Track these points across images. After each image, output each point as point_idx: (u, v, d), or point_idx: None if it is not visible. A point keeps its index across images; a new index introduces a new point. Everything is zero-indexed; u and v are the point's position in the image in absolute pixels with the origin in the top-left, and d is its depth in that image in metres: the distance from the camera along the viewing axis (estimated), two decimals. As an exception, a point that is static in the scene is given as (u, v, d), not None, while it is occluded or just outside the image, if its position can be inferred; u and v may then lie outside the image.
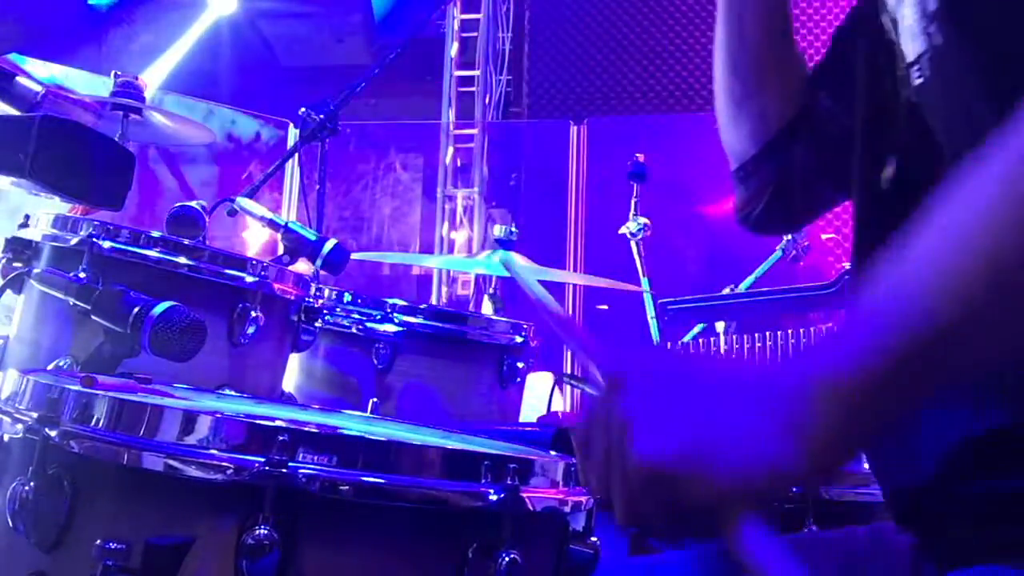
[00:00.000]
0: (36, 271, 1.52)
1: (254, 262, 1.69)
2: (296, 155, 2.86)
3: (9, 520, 0.84)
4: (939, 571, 0.78)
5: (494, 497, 0.85)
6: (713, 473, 0.62)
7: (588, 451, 0.68)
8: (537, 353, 2.27)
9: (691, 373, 0.67)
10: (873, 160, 0.90)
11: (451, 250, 5.97)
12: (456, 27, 6.28)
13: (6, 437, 0.91)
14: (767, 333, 3.71)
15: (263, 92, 5.98)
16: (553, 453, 1.12)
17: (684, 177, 5.07)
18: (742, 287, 3.69)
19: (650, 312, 3.82)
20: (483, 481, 0.87)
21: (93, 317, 1.35)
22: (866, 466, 2.09)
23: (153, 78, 5.56)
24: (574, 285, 5.48)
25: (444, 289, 5.83)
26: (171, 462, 0.81)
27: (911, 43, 0.81)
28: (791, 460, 0.61)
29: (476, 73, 6.24)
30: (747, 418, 0.62)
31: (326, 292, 2.06)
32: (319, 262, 1.83)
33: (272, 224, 1.91)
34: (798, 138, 1.11)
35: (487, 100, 6.19)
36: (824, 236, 4.79)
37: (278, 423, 0.92)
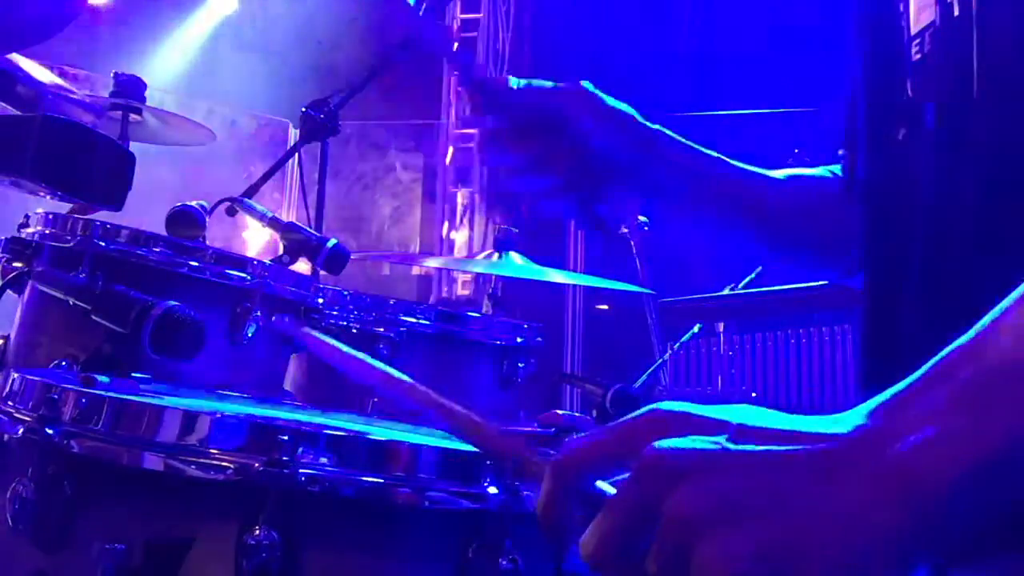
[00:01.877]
0: (36, 271, 1.52)
1: (254, 262, 1.69)
2: (296, 155, 2.86)
3: (9, 520, 0.84)
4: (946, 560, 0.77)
5: (494, 496, 0.85)
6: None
7: (621, 557, 0.55)
8: (537, 353, 2.27)
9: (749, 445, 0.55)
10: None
11: (451, 250, 5.97)
12: (456, 27, 6.28)
13: (6, 437, 0.91)
14: (767, 333, 3.72)
15: (263, 92, 5.98)
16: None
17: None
18: (742, 287, 3.69)
19: (649, 312, 3.82)
20: (483, 481, 0.87)
21: (93, 317, 1.35)
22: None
23: (154, 78, 5.56)
24: (574, 285, 5.48)
25: (444, 289, 5.82)
26: (171, 462, 0.81)
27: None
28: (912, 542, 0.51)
29: (476, 73, 6.23)
30: (845, 496, 0.52)
31: (326, 292, 2.05)
32: (319, 262, 1.83)
33: (272, 224, 1.91)
34: None
35: (487, 100, 6.19)
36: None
37: (278, 423, 0.92)
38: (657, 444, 0.55)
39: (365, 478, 0.83)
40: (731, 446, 0.54)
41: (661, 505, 0.53)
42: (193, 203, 1.86)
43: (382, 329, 2.03)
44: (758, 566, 0.50)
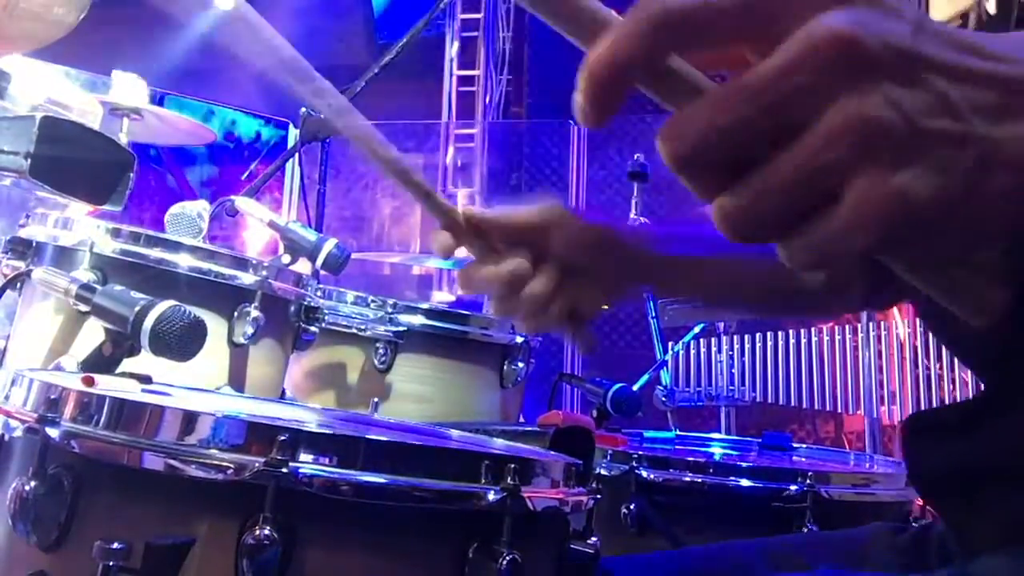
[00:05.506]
0: (36, 271, 1.52)
1: (254, 262, 1.69)
2: (296, 155, 2.86)
3: (9, 520, 0.84)
4: (968, 554, 0.77)
5: (494, 497, 0.85)
6: None
7: (721, 149, 0.42)
8: (537, 353, 2.27)
9: None
10: None
11: (451, 250, 5.97)
12: (456, 27, 6.28)
13: (6, 437, 0.91)
14: (767, 333, 3.71)
15: (263, 92, 5.98)
16: (553, 453, 1.12)
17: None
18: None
19: (650, 312, 3.82)
20: (483, 481, 0.87)
21: (93, 317, 1.35)
22: (868, 466, 2.09)
23: (154, 78, 5.56)
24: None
25: (444, 289, 5.83)
26: (171, 462, 0.81)
27: None
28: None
29: (476, 73, 6.24)
30: None
31: (326, 292, 2.06)
32: (319, 262, 1.83)
33: (272, 224, 1.91)
34: None
35: (487, 100, 6.20)
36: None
37: (278, 423, 0.92)
38: (841, 17, 0.40)
39: (365, 478, 0.83)
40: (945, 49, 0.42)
41: (826, 101, 0.40)
42: (193, 203, 1.86)
43: (382, 329, 2.04)
44: (927, 208, 0.40)
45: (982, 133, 0.41)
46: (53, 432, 0.84)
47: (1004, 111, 0.42)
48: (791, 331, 3.70)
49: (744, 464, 1.66)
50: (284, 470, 0.79)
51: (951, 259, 0.44)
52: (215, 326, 1.57)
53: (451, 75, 6.26)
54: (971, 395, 0.79)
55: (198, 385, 1.40)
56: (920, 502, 1.63)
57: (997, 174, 0.41)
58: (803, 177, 0.41)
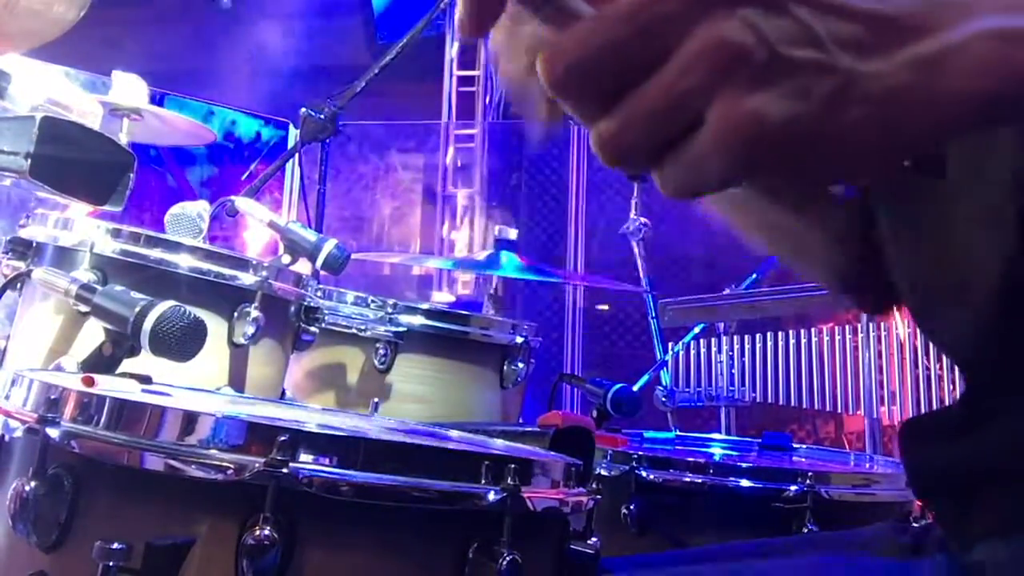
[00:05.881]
0: (36, 271, 1.52)
1: (254, 262, 1.69)
2: (296, 155, 2.87)
3: (9, 520, 0.84)
4: (964, 548, 0.77)
5: (494, 497, 0.85)
6: None
7: (597, 73, 0.44)
8: (537, 353, 2.27)
9: None
10: None
11: (451, 250, 5.98)
12: (456, 27, 6.28)
13: (6, 437, 0.91)
14: (767, 333, 3.71)
15: (263, 92, 5.98)
16: (553, 453, 1.12)
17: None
18: (742, 287, 3.69)
19: (650, 312, 3.82)
20: (483, 481, 0.87)
21: (93, 317, 1.35)
22: (868, 466, 2.09)
23: (153, 77, 5.56)
24: (574, 285, 5.48)
25: (445, 289, 5.83)
26: (172, 462, 0.81)
27: None
28: None
29: (476, 73, 6.24)
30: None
31: (326, 292, 2.06)
32: (319, 262, 1.83)
33: (272, 224, 1.91)
34: None
35: (487, 100, 6.20)
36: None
37: (278, 423, 0.92)
38: None
39: (365, 478, 0.83)
40: None
41: (690, 26, 0.41)
42: (193, 204, 1.86)
43: (382, 329, 2.04)
44: (781, 132, 0.41)
45: (843, 65, 0.42)
46: (53, 432, 0.84)
47: (867, 46, 0.42)
48: (791, 331, 3.70)
49: (744, 464, 1.65)
50: (284, 470, 0.79)
51: (812, 189, 0.46)
52: (215, 326, 1.57)
53: (451, 75, 6.26)
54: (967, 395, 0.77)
55: (198, 385, 1.40)
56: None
57: (854, 107, 0.42)
58: (667, 102, 0.42)
